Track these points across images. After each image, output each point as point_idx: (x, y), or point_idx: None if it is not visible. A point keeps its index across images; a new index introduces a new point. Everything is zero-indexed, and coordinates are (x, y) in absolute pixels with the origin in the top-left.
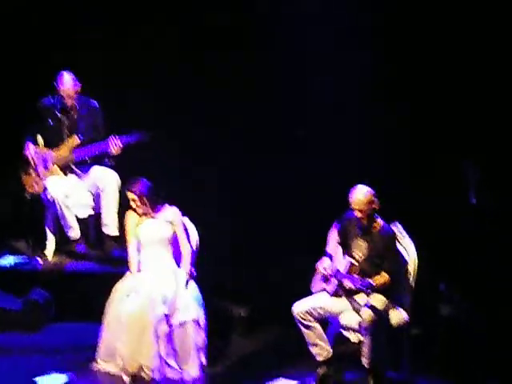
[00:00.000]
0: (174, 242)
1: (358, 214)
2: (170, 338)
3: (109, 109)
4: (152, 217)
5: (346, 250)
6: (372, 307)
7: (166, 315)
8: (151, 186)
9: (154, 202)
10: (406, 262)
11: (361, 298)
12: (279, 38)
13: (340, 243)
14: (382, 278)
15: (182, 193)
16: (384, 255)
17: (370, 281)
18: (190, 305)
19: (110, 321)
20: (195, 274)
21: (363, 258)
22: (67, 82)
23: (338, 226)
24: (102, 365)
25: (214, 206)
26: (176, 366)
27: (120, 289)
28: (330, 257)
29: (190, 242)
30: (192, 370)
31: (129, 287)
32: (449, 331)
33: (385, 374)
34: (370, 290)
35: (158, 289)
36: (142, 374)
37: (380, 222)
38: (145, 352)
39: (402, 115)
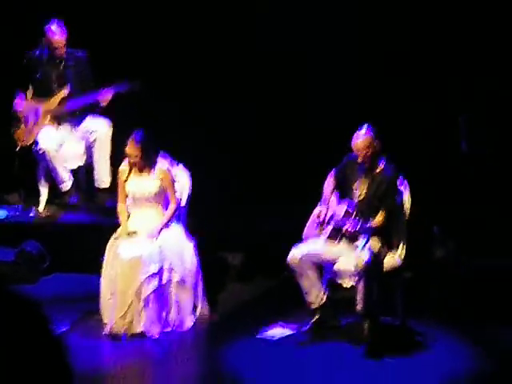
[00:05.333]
0: (166, 197)
1: (360, 158)
2: (160, 294)
3: (98, 58)
4: (146, 172)
5: (345, 192)
6: (370, 250)
7: (154, 274)
8: (151, 138)
9: (152, 156)
10: (401, 206)
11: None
12: None
13: (338, 188)
14: (380, 216)
15: (176, 137)
16: (385, 194)
17: (369, 223)
18: (174, 263)
19: (104, 278)
20: (184, 224)
21: (363, 197)
22: (58, 32)
23: (335, 171)
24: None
25: (208, 150)
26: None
27: (113, 247)
28: (326, 205)
29: (177, 196)
30: (185, 323)
31: (120, 246)
32: (442, 274)
33: (379, 319)
34: (369, 231)
35: (142, 249)
36: (132, 330)
37: (382, 165)
38: (131, 313)
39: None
